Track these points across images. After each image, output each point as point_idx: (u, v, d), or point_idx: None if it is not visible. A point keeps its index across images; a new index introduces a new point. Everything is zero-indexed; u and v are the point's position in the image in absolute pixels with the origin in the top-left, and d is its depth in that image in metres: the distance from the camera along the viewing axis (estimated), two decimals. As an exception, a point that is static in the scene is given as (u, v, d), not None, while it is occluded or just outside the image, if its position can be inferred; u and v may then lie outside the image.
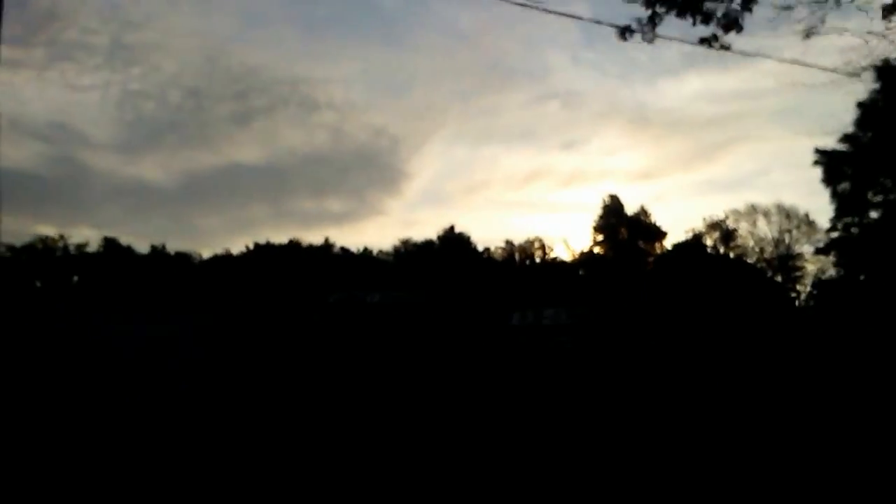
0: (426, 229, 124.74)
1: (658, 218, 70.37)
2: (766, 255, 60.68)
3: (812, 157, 37.71)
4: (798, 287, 60.04)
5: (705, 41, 9.75)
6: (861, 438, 8.88)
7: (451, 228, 78.78)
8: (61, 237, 54.41)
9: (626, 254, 66.40)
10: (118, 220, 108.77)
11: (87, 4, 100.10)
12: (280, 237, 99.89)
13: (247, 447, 8.02)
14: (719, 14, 9.48)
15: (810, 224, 58.51)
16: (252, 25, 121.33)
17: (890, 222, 33.31)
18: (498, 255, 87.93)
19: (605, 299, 47.91)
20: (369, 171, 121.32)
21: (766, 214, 61.31)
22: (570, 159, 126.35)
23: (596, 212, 70.27)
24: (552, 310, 28.52)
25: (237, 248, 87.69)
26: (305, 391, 13.53)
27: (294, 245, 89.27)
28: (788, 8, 10.29)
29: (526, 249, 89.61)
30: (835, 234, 38.00)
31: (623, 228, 69.30)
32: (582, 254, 75.61)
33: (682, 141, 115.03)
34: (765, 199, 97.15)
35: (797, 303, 58.04)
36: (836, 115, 79.57)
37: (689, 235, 62.92)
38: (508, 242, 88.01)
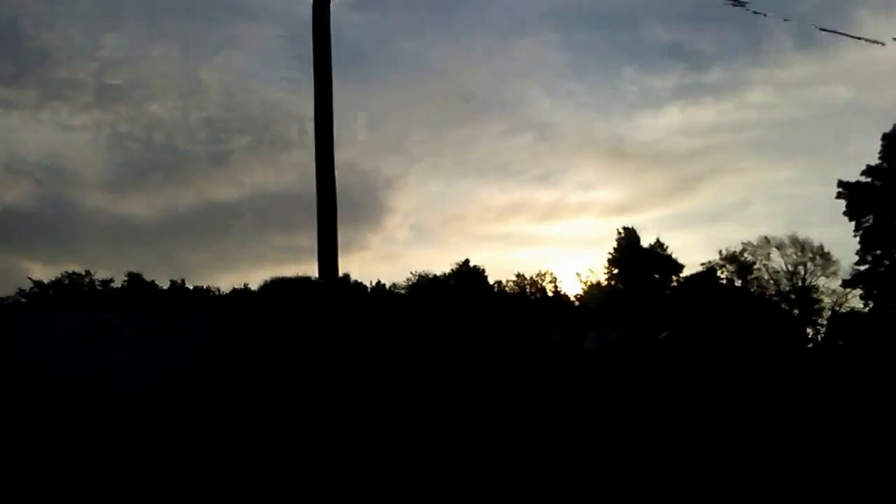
0: (414, 263, 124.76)
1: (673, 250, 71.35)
2: (782, 288, 61.24)
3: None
4: (818, 320, 60.45)
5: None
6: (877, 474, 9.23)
7: (466, 262, 79.47)
8: (87, 273, 54.75)
9: (641, 286, 67.25)
10: (105, 255, 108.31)
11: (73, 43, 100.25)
12: (261, 274, 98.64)
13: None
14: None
15: (825, 256, 58.80)
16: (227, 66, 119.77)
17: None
18: (509, 288, 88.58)
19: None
20: (350, 207, 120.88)
21: (780, 247, 61.91)
22: (546, 193, 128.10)
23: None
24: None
25: (254, 282, 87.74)
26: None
27: (305, 280, 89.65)
28: None
29: (536, 283, 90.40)
30: (862, 268, 38.77)
31: (636, 261, 70.40)
32: (592, 286, 76.73)
33: (660, 173, 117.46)
34: (749, 233, 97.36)
35: (818, 337, 58.46)
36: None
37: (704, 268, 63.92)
38: (520, 276, 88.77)
